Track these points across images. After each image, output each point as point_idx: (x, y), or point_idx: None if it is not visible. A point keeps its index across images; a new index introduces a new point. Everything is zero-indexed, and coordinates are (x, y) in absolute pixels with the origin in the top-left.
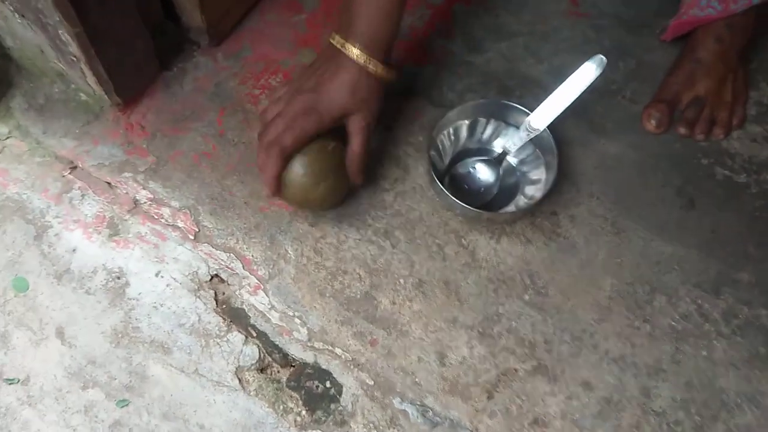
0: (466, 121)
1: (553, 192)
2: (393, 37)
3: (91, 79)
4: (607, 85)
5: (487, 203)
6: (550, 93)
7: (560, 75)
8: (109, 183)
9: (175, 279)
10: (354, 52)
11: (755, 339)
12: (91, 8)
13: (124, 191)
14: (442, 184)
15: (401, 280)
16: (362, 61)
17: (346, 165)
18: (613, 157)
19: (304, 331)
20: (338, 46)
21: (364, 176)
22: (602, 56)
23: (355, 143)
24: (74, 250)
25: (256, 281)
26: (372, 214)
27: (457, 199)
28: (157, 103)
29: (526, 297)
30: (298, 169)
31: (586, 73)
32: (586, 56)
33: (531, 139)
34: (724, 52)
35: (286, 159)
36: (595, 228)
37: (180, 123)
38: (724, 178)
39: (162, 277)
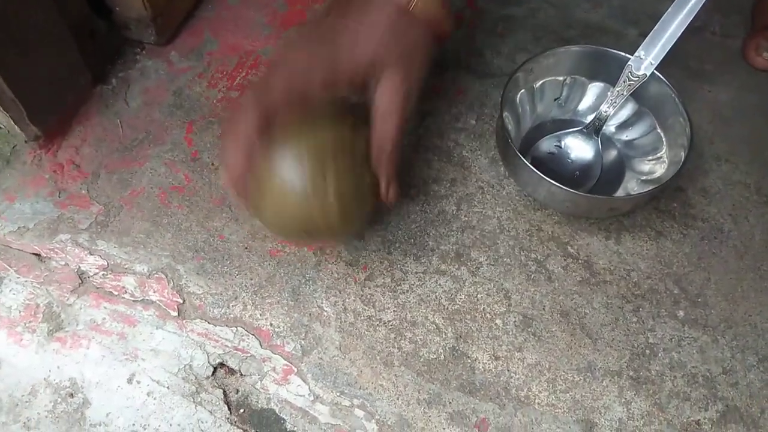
0: (535, 85)
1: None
2: None
3: None
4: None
5: (590, 192)
6: (622, 40)
7: (627, 17)
8: (38, 254)
9: (158, 382)
10: None
11: None
12: None
13: (62, 262)
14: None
15: (498, 321)
16: None
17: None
18: (728, 105)
19: (372, 427)
20: None
21: (398, 184)
22: None
23: (387, 116)
24: None
25: (285, 362)
26: (431, 233)
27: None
28: (95, 129)
29: (680, 313)
30: (289, 161)
31: None
32: None
33: (630, 94)
34: None
35: (265, 133)
36: (738, 200)
37: (132, 152)
38: None
39: (138, 382)
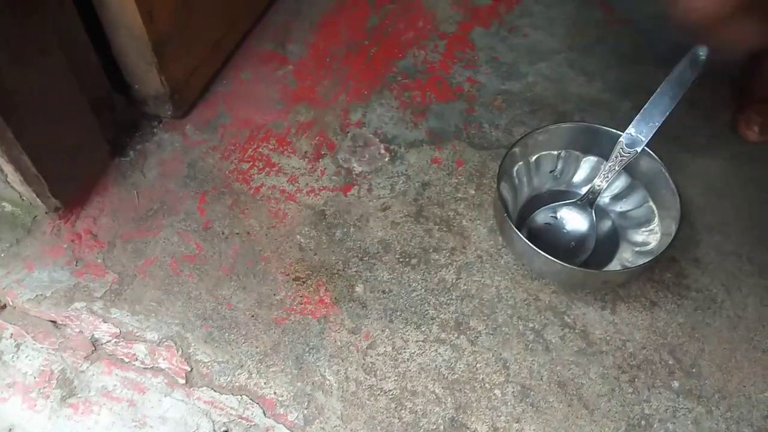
0: (531, 159)
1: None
2: None
3: (14, 179)
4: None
5: (584, 263)
6: (617, 113)
7: (621, 90)
8: (54, 321)
9: None
10: None
11: None
12: (4, 71)
13: (77, 329)
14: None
15: (496, 392)
16: None
17: None
18: (719, 176)
19: None
20: None
21: None
22: (703, 47)
23: None
24: (11, 430)
25: None
26: (431, 302)
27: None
28: (112, 200)
29: (675, 384)
30: None
31: (688, 69)
32: (645, 66)
33: (623, 168)
34: None
35: None
36: (731, 271)
37: (147, 222)
38: None
39: None
